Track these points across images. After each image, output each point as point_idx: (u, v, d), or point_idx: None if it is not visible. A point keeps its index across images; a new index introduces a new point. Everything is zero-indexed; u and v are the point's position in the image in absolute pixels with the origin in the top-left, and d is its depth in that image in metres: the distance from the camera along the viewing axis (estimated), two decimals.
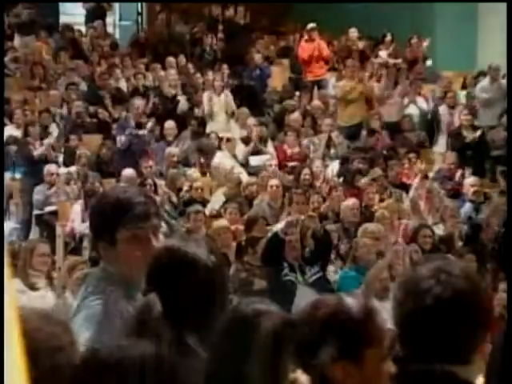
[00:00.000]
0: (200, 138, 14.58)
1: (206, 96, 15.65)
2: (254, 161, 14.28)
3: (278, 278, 10.02)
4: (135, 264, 3.59)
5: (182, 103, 15.57)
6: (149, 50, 17.87)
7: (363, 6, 18.70)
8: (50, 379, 2.44)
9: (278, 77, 17.40)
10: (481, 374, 2.82)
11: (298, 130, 14.96)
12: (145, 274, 3.38)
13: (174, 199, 12.39)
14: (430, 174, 13.59)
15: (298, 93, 16.65)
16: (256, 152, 14.40)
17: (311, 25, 17.09)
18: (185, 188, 12.84)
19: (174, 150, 13.99)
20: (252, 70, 17.28)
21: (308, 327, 2.77)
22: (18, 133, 13.86)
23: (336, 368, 2.71)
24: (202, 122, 15.11)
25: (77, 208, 11.94)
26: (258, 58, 17.46)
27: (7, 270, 2.01)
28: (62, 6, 20.04)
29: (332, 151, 14.56)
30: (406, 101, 15.78)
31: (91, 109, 15.19)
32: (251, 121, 14.99)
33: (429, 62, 17.70)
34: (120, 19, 20.45)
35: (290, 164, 14.09)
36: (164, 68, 16.69)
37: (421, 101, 15.91)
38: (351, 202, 11.86)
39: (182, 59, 17.20)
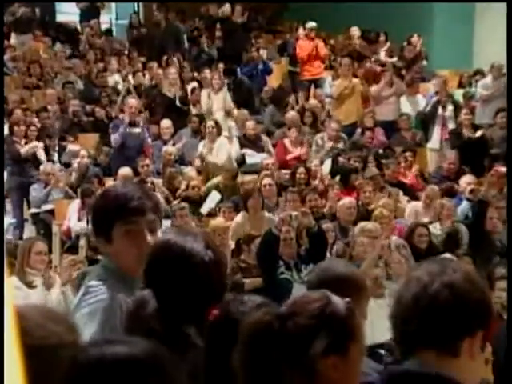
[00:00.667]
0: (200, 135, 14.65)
1: (204, 94, 15.67)
2: (251, 159, 14.29)
3: (274, 276, 10.04)
4: (132, 260, 3.62)
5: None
6: (146, 48, 17.87)
7: (360, 5, 18.72)
8: (52, 376, 2.45)
9: (275, 75, 17.39)
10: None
11: (298, 129, 14.96)
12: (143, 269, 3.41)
13: (171, 198, 12.45)
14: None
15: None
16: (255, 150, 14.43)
17: (310, 24, 17.14)
18: (182, 187, 12.88)
19: (170, 148, 13.99)
20: (256, 65, 17.32)
21: (299, 321, 2.79)
22: None
23: (326, 361, 2.72)
24: (202, 120, 15.04)
25: (73, 207, 11.94)
26: (262, 52, 17.64)
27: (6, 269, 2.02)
28: (58, 5, 20.03)
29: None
30: (402, 100, 15.80)
31: (88, 108, 15.22)
32: (250, 124, 14.97)
33: (423, 62, 17.67)
34: (116, 18, 20.48)
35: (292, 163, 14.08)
36: (161, 66, 16.72)
37: (421, 99, 15.90)
38: (347, 200, 11.87)
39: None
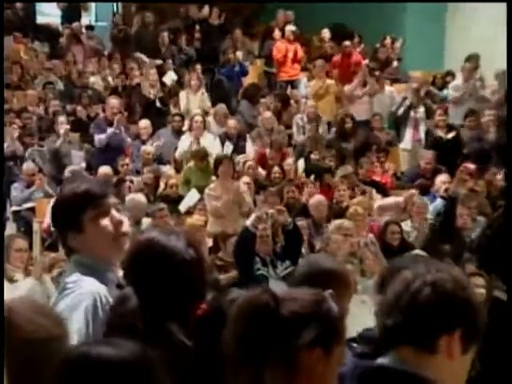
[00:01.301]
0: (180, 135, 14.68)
1: (182, 94, 15.74)
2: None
3: (251, 272, 10.07)
4: (106, 244, 3.66)
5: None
6: (126, 49, 17.84)
7: (335, 8, 18.66)
8: (42, 369, 2.50)
9: (251, 76, 17.41)
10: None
11: (271, 129, 15.02)
12: (123, 265, 3.49)
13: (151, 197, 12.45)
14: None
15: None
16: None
17: (290, 27, 17.34)
18: (161, 186, 12.90)
19: (149, 148, 14.00)
20: (232, 66, 17.34)
21: (295, 307, 2.83)
22: None
23: (310, 353, 2.76)
24: (183, 120, 15.07)
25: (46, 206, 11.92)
26: (239, 54, 17.56)
27: None
28: (39, 6, 19.90)
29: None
30: (375, 100, 15.88)
31: (68, 107, 15.20)
32: (232, 122, 15.00)
33: (395, 63, 17.72)
34: (96, 20, 20.39)
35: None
36: (140, 68, 16.72)
37: (395, 99, 15.99)
38: (317, 198, 11.96)
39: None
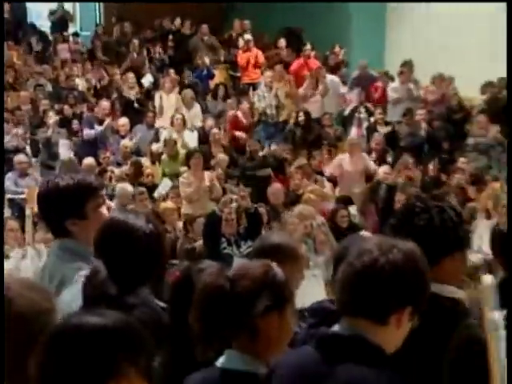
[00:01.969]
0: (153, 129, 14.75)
1: (157, 95, 15.67)
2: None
3: (217, 250, 10.09)
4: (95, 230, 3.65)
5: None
6: (107, 55, 17.75)
7: (290, 18, 18.52)
8: (34, 340, 2.41)
9: (218, 78, 17.32)
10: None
11: None
12: (94, 242, 3.48)
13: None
14: None
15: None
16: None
17: (247, 37, 17.27)
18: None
19: (127, 142, 14.01)
20: (201, 71, 17.27)
21: (246, 284, 2.81)
22: None
23: (267, 318, 2.79)
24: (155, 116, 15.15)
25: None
26: (206, 59, 17.48)
27: None
28: (29, 17, 19.78)
29: None
30: (325, 100, 15.84)
31: (56, 106, 15.10)
32: (210, 122, 15.04)
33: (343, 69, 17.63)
34: (81, 29, 20.25)
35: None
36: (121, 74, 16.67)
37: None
38: (275, 186, 12.02)
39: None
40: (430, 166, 13.27)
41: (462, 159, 13.07)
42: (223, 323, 2.79)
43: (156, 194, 12.35)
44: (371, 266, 2.64)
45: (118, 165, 13.48)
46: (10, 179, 12.37)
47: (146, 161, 13.76)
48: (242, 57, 17.25)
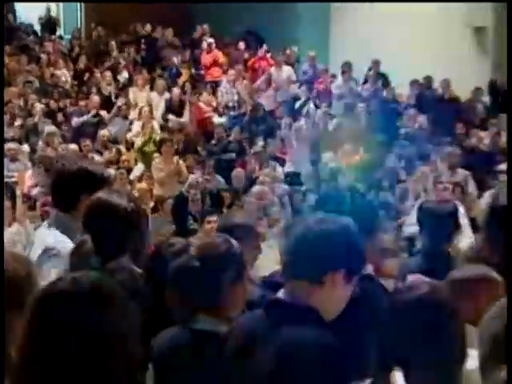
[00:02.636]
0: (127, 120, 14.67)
1: (131, 91, 15.60)
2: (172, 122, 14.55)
3: (185, 226, 10.09)
4: None
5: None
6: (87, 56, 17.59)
7: (250, 19, 18.33)
8: (20, 302, 2.38)
9: (184, 77, 17.21)
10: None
11: None
12: (82, 218, 3.52)
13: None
14: None
15: None
16: None
17: (209, 40, 17.23)
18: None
19: (105, 132, 13.95)
20: (170, 69, 17.13)
21: (214, 260, 2.83)
22: None
23: (233, 287, 2.84)
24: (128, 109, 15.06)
25: (29, 175, 12.06)
26: (175, 60, 17.38)
27: None
28: (19, 19, 19.53)
29: None
30: (278, 93, 15.82)
31: (43, 101, 14.97)
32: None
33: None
34: (64, 33, 20.00)
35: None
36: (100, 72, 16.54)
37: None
38: (236, 170, 12.07)
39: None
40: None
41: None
42: (194, 295, 2.83)
43: (131, 177, 12.32)
44: (305, 233, 2.64)
45: (97, 152, 13.36)
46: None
47: (121, 148, 13.72)
48: (205, 57, 17.20)
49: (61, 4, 20.60)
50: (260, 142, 13.86)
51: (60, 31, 20.01)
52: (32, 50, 17.38)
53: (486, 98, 14.76)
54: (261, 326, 2.64)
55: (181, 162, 12.27)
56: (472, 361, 2.83)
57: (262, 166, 12.60)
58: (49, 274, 3.37)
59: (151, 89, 15.74)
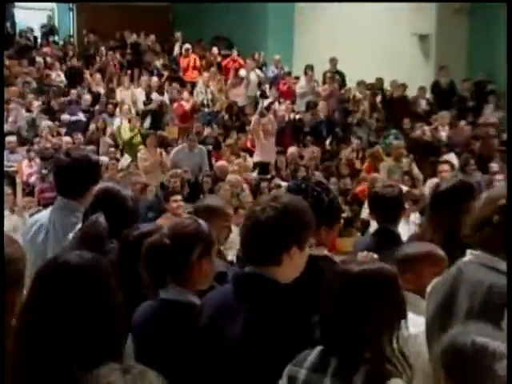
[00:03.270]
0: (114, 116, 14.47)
1: (118, 90, 15.46)
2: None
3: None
4: None
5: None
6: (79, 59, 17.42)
7: (223, 25, 18.21)
8: (14, 287, 2.35)
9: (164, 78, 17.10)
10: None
11: None
12: (90, 203, 3.53)
13: None
14: None
15: None
16: None
17: (186, 46, 17.17)
18: None
19: (94, 126, 13.80)
20: (153, 71, 16.98)
21: (182, 239, 2.79)
22: None
23: (200, 263, 2.79)
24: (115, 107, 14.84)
25: (25, 164, 12.00)
26: (158, 63, 17.29)
27: None
28: (19, 25, 19.31)
29: None
30: (249, 93, 15.80)
31: (40, 99, 14.80)
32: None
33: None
34: (59, 39, 19.76)
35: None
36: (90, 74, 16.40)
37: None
38: (219, 163, 11.92)
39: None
40: (327, 142, 13.44)
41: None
42: (165, 270, 2.80)
43: (119, 166, 12.20)
44: (254, 219, 2.62)
45: (87, 144, 13.16)
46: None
47: (108, 140, 13.59)
48: (183, 61, 17.18)
49: (56, 13, 20.38)
50: (234, 136, 13.82)
51: (56, 36, 19.84)
52: (31, 54, 17.19)
53: (430, 96, 14.86)
54: (229, 300, 2.63)
55: (164, 153, 12.16)
56: (417, 327, 2.86)
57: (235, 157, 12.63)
58: None
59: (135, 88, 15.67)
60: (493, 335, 2.14)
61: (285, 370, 2.41)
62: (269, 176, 11.70)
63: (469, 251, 2.83)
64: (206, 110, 15.34)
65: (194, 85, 16.52)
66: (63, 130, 13.68)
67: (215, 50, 17.74)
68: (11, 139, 12.34)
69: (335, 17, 16.14)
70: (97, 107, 14.50)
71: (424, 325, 2.87)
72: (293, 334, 2.47)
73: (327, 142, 13.75)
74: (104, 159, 11.49)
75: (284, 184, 10.64)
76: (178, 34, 18.16)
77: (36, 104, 14.18)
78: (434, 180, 8.92)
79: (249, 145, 13.61)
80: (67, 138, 12.86)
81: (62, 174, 3.85)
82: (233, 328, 2.55)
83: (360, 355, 2.29)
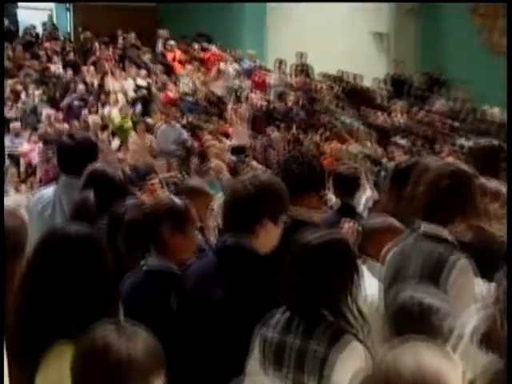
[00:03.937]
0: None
1: (109, 81, 15.25)
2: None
3: None
4: None
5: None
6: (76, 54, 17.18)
7: (204, 23, 17.95)
8: (16, 257, 2.32)
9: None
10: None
11: None
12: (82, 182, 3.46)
13: None
14: None
15: None
16: None
17: (170, 42, 17.03)
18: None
19: (86, 112, 13.60)
20: (141, 65, 16.68)
21: (156, 213, 2.79)
22: None
23: (171, 235, 2.74)
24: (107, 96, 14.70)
25: (26, 148, 11.82)
26: (146, 57, 17.02)
27: None
28: (22, 23, 18.99)
29: None
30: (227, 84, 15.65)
31: (41, 88, 14.59)
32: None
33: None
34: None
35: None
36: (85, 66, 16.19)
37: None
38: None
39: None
40: (293, 130, 13.43)
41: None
42: (142, 241, 2.78)
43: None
44: (234, 193, 2.64)
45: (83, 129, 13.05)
46: (8, 139, 11.92)
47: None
48: (168, 55, 17.01)
49: (54, 13, 20.07)
50: (214, 122, 13.76)
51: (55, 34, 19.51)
52: (33, 49, 16.92)
53: (386, 87, 14.90)
54: (212, 268, 2.62)
55: (152, 138, 12.03)
56: (375, 289, 2.87)
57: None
58: None
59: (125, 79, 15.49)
60: (433, 294, 2.19)
61: (255, 330, 2.40)
62: (245, 158, 11.65)
63: (422, 223, 2.84)
64: (190, 99, 15.23)
65: (177, 77, 16.39)
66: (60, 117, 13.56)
67: (196, 45, 17.53)
68: (16, 124, 12.27)
69: (302, 16, 16.01)
70: (91, 97, 14.31)
71: (380, 287, 2.88)
72: (268, 298, 2.46)
73: (295, 127, 13.74)
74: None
75: (257, 165, 10.66)
76: (161, 32, 17.94)
77: (37, 93, 14.02)
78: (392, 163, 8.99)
79: (226, 130, 13.55)
80: (65, 125, 12.70)
81: (65, 155, 3.82)
82: (215, 293, 2.54)
83: (320, 315, 2.30)
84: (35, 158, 11.54)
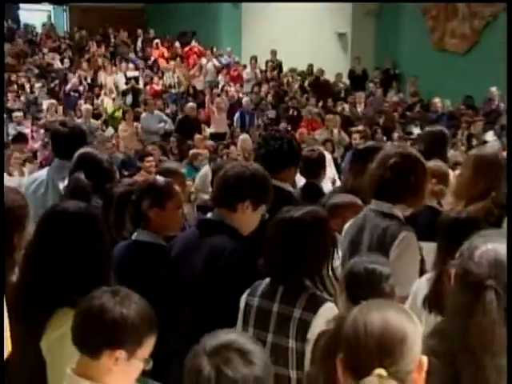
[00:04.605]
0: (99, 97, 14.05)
1: (102, 75, 15.00)
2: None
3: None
4: None
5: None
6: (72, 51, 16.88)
7: (187, 22, 17.69)
8: (15, 228, 2.27)
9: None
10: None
11: None
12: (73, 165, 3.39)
13: None
14: None
15: None
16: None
17: (156, 41, 16.83)
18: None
19: (82, 101, 13.39)
20: (135, 60, 16.48)
21: (137, 191, 2.78)
22: None
23: (151, 212, 2.74)
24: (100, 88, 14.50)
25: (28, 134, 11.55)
26: (132, 55, 16.83)
27: None
28: (23, 23, 18.60)
29: None
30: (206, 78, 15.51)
31: (41, 82, 14.33)
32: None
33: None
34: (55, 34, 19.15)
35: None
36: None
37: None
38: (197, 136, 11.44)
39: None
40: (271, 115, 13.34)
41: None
42: (129, 215, 2.78)
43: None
44: (224, 174, 2.62)
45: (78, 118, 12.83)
46: (11, 127, 11.69)
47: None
48: (154, 52, 16.80)
49: (52, 13, 19.74)
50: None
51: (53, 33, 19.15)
52: (34, 46, 16.61)
53: (347, 81, 14.89)
54: (193, 238, 2.62)
55: (139, 125, 11.94)
56: (337, 261, 2.89)
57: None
58: None
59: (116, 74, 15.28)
60: (381, 262, 2.22)
61: (241, 298, 2.37)
62: (225, 142, 11.54)
63: (373, 200, 2.84)
64: (173, 91, 15.08)
65: (162, 72, 16.19)
66: (60, 108, 13.32)
67: (178, 44, 17.33)
68: (18, 114, 12.06)
69: (272, 16, 15.89)
70: (85, 89, 14.10)
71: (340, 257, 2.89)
72: (244, 265, 2.45)
73: (268, 115, 13.66)
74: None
75: (234, 149, 10.57)
76: (140, 31, 17.76)
77: (37, 86, 13.81)
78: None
79: (206, 118, 13.42)
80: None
81: (59, 140, 3.77)
82: (196, 260, 2.53)
83: (301, 284, 2.27)
84: (36, 144, 11.36)
